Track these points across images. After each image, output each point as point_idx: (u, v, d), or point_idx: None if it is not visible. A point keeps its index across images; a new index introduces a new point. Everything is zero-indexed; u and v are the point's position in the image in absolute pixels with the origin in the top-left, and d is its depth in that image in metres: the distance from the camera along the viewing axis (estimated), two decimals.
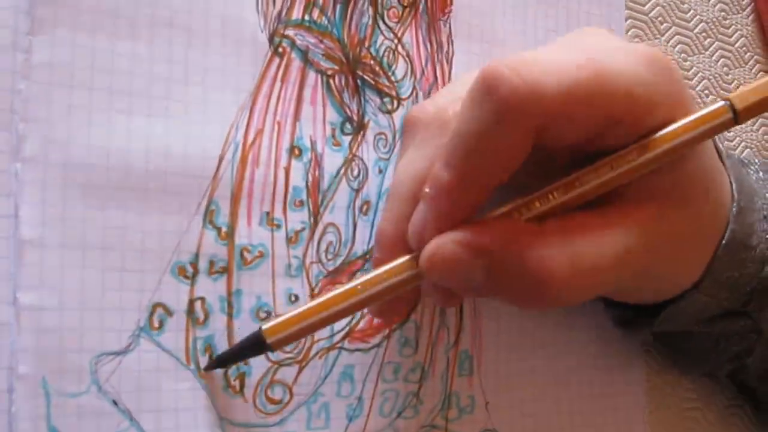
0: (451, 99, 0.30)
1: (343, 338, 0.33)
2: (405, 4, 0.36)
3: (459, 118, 0.26)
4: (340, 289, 0.28)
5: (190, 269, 0.31)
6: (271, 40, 0.33)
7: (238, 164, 0.32)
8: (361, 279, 0.28)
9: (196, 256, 0.31)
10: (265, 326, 0.28)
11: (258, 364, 0.31)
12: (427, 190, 0.27)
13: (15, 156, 0.29)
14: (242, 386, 0.31)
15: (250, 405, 0.31)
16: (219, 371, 0.31)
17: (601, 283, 0.27)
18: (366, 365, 0.33)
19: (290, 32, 0.33)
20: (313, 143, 0.33)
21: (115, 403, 0.29)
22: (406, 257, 0.28)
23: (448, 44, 0.37)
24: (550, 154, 0.28)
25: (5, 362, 0.28)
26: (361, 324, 0.34)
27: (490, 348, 0.36)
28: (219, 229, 0.31)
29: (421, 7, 0.36)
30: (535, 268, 0.26)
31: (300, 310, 0.28)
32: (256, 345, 0.28)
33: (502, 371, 0.36)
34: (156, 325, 0.30)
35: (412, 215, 0.28)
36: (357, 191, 0.34)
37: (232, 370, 0.31)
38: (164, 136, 0.31)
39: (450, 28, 0.37)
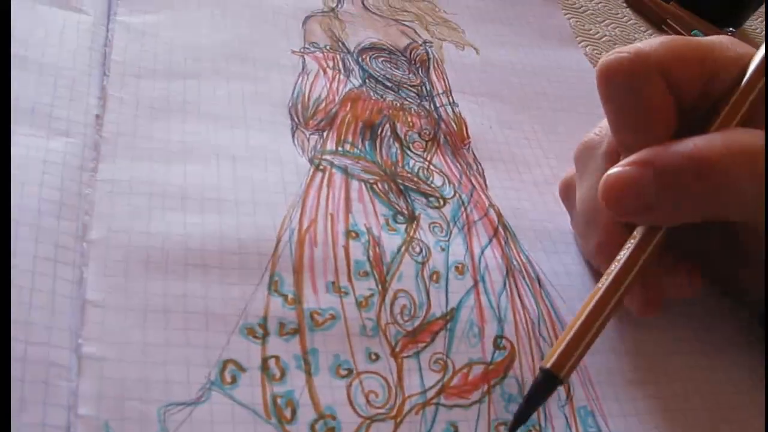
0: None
1: (437, 394, 0.29)
2: (426, 139, 0.39)
3: (607, 115, 0.31)
4: (593, 299, 0.29)
5: (259, 330, 0.29)
6: (311, 161, 0.36)
7: (296, 245, 0.32)
8: (602, 280, 0.29)
9: (265, 318, 0.29)
10: (549, 364, 0.28)
11: (346, 419, 0.27)
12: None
13: (81, 239, 0.29)
14: None
15: None
16: (304, 425, 0.27)
17: (754, 167, 0.27)
18: (471, 422, 0.29)
19: (327, 157, 0.36)
20: (368, 228, 0.34)
21: None
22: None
23: (476, 164, 0.39)
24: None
25: (64, 402, 0.25)
26: (455, 380, 0.30)
27: (608, 399, 0.31)
28: (285, 296, 0.30)
29: (441, 139, 0.40)
30: (694, 153, 0.27)
31: (572, 333, 0.28)
32: (549, 384, 0.28)
33: (632, 425, 0.30)
34: (228, 380, 0.27)
35: None
36: (423, 264, 0.33)
37: (320, 424, 0.27)
38: (218, 226, 0.31)
39: (473, 153, 0.40)
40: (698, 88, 0.30)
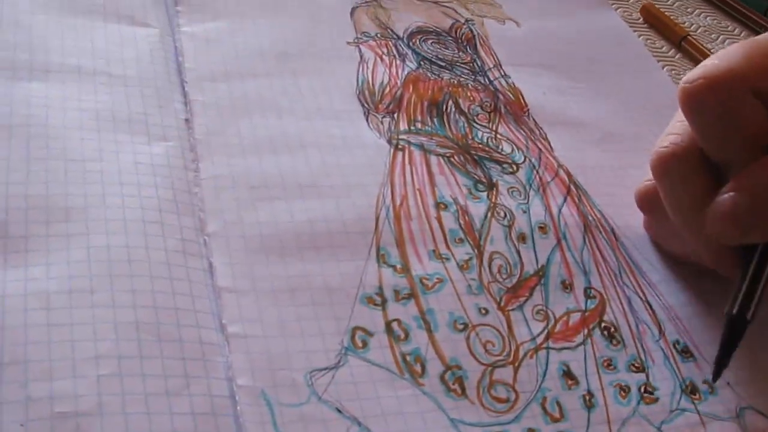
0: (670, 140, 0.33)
1: (546, 339, 0.31)
2: (488, 110, 0.42)
3: (697, 134, 0.31)
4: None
5: (377, 298, 0.31)
6: (389, 142, 0.38)
7: (393, 220, 0.34)
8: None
9: (380, 288, 0.32)
10: (735, 309, 0.29)
11: (472, 368, 0.30)
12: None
13: (201, 232, 0.32)
14: (463, 389, 0.29)
15: (478, 406, 0.29)
16: (434, 377, 0.29)
17: None
18: (580, 360, 0.31)
19: (403, 136, 0.39)
20: (454, 199, 0.36)
21: (338, 410, 0.27)
22: None
23: (538, 129, 0.42)
24: None
25: (223, 375, 0.27)
26: (558, 327, 0.32)
27: (697, 331, 0.33)
28: (394, 267, 0.32)
29: (502, 109, 0.42)
30: None
31: (748, 278, 0.30)
32: (740, 327, 0.29)
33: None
34: (360, 344, 0.29)
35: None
36: (509, 227, 0.35)
37: (449, 374, 0.29)
38: (321, 210, 0.34)
39: (533, 119, 0.42)
40: None
